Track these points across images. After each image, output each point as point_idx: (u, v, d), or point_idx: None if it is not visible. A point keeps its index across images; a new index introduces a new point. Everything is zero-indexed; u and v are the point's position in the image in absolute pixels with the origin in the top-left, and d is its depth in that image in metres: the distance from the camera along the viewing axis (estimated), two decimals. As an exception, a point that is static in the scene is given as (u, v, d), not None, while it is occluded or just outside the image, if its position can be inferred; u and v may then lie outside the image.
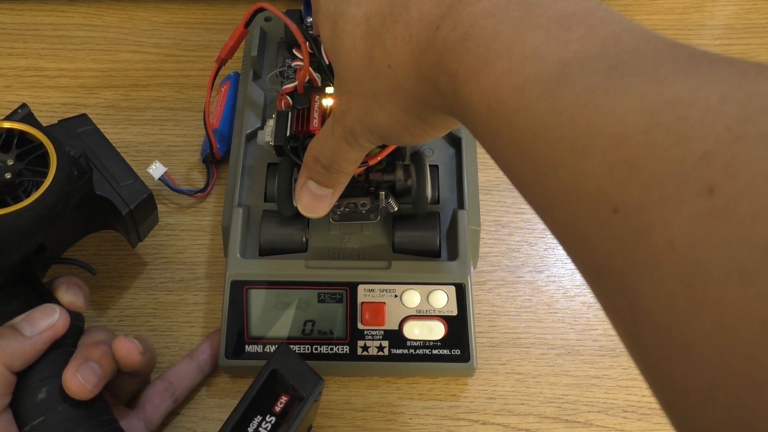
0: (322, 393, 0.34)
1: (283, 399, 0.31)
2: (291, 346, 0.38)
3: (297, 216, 0.40)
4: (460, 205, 0.41)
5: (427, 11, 0.23)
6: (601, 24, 0.20)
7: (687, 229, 0.14)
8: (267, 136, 0.38)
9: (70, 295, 0.35)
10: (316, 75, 0.38)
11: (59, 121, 0.37)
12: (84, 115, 0.38)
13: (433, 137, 0.29)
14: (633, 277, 0.16)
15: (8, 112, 0.34)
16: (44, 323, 0.32)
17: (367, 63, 0.26)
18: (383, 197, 0.39)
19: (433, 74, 0.23)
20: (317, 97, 0.38)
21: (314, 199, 0.33)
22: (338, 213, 0.39)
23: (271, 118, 0.39)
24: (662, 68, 0.17)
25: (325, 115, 0.37)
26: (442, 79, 0.23)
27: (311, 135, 0.37)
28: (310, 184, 0.33)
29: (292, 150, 0.37)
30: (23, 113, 0.36)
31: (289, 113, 0.38)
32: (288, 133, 0.38)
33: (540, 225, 0.44)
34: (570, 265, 0.43)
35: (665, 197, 0.15)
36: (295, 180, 0.38)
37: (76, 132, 0.37)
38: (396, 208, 0.39)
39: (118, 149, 0.37)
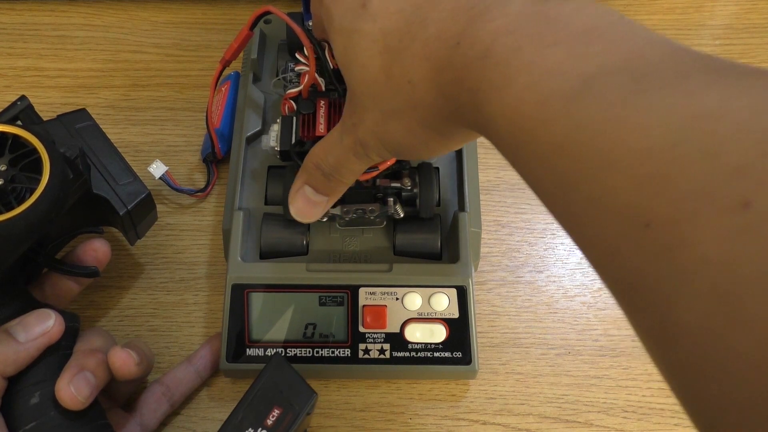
0: (315, 405, 0.33)
1: (276, 412, 0.31)
2: (291, 350, 0.38)
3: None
4: (461, 207, 0.41)
5: (445, 28, 0.23)
6: (623, 38, 0.20)
7: (722, 245, 0.14)
8: (272, 141, 0.38)
9: (92, 246, 0.36)
10: (320, 79, 0.38)
11: (58, 116, 0.36)
12: (83, 110, 0.37)
13: (450, 150, 0.29)
14: (666, 294, 0.16)
15: (8, 112, 0.34)
16: (39, 329, 0.31)
17: (385, 79, 0.26)
18: (392, 204, 0.39)
19: (453, 90, 0.23)
20: (322, 102, 0.38)
21: (308, 204, 0.33)
22: (346, 219, 0.39)
23: (276, 122, 0.39)
24: (689, 81, 0.17)
25: (331, 119, 0.37)
26: (463, 95, 0.23)
27: (318, 140, 0.37)
28: (306, 189, 0.33)
29: (298, 155, 0.37)
30: (22, 105, 0.35)
31: (294, 118, 0.38)
32: (294, 139, 0.38)
33: (540, 225, 0.44)
34: (570, 265, 0.43)
35: (698, 212, 0.15)
36: None
37: (74, 128, 0.36)
38: (402, 215, 0.39)
39: (117, 149, 0.37)
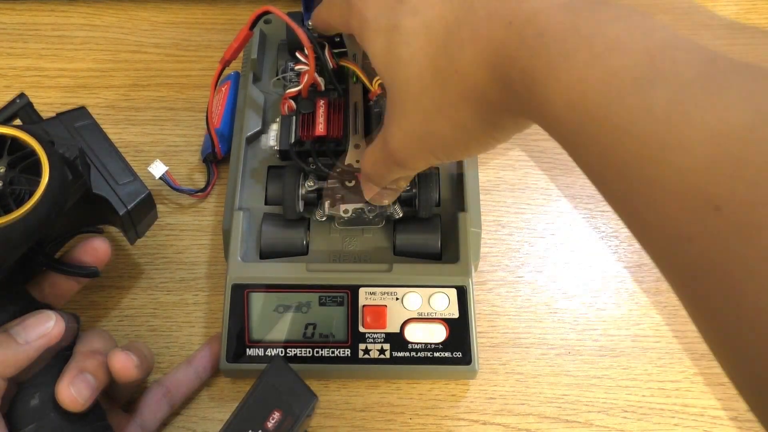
0: (315, 408, 0.33)
1: (276, 415, 0.31)
2: (291, 350, 0.38)
3: (298, 219, 0.40)
4: (461, 207, 0.41)
5: (495, 8, 0.22)
6: (686, 12, 0.19)
7: None
8: (271, 140, 0.38)
9: (92, 245, 0.36)
10: (319, 79, 0.38)
11: (57, 115, 0.36)
12: (83, 108, 0.37)
13: (499, 143, 0.27)
14: (739, 277, 0.15)
15: (8, 112, 0.34)
16: (39, 330, 0.31)
17: (431, 74, 0.24)
18: (390, 204, 0.39)
19: (505, 72, 0.22)
20: (321, 101, 0.38)
21: (379, 195, 0.35)
22: (345, 218, 0.39)
23: (275, 122, 0.39)
24: (763, 65, 0.17)
25: (330, 119, 0.37)
26: (516, 76, 0.22)
27: (317, 139, 0.37)
28: (370, 185, 0.34)
29: (298, 155, 0.37)
30: (21, 103, 0.35)
31: (293, 118, 0.38)
32: (293, 139, 0.38)
33: (540, 225, 0.44)
34: (570, 265, 0.43)
35: None
36: (301, 185, 0.39)
37: (74, 126, 0.36)
38: (401, 214, 0.39)
39: (117, 148, 0.37)
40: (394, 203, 0.39)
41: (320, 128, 0.37)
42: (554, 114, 0.21)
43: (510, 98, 0.23)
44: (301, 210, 0.39)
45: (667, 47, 0.18)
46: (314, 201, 0.40)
